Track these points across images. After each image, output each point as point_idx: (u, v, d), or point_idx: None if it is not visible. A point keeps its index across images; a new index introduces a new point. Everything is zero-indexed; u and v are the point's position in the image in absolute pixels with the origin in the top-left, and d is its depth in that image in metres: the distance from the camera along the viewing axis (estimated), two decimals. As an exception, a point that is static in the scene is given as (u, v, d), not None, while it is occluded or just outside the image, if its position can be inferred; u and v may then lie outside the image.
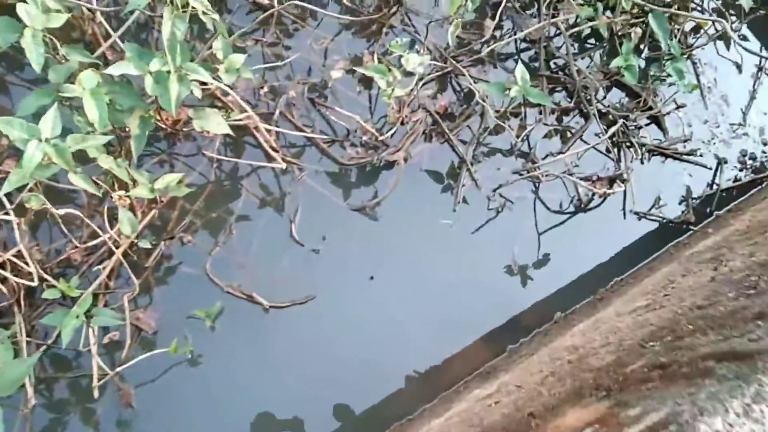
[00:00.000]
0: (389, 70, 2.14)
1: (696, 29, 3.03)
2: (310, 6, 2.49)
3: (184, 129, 2.26)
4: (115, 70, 1.69)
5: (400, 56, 2.27)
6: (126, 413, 2.07)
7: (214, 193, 2.39)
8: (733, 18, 3.05)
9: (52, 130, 1.63)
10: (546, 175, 2.59)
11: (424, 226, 2.49)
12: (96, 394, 2.01)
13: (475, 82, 2.55)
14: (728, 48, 3.06)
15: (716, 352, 1.04)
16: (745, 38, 3.09)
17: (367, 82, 2.60)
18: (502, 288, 2.49)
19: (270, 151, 2.31)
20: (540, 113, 2.76)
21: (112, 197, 1.99)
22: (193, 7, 1.58)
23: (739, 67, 3.04)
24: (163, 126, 2.18)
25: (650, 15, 2.22)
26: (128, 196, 1.96)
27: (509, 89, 2.22)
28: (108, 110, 1.74)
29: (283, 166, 2.28)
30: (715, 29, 2.93)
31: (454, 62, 2.63)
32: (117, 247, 2.08)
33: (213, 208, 2.37)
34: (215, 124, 2.00)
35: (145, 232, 2.25)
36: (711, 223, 2.60)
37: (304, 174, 2.43)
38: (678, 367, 1.05)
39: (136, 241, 2.13)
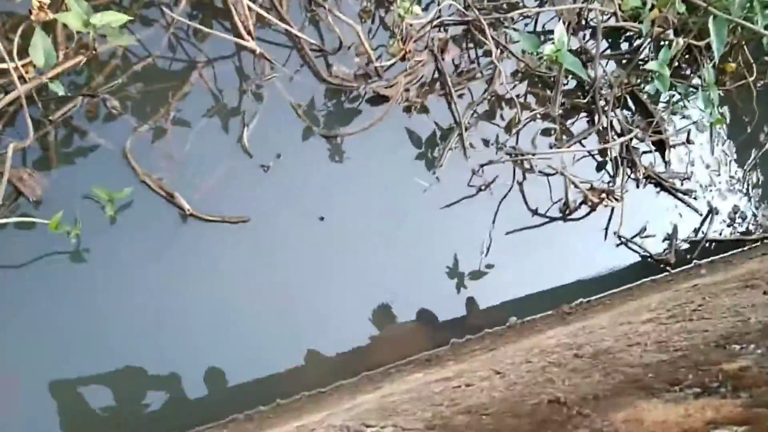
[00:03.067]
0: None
1: (722, 71, 2.82)
2: None
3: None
4: None
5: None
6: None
7: (160, 63, 1.94)
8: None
9: None
10: (538, 167, 2.29)
11: (394, 180, 2.12)
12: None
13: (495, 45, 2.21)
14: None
15: None
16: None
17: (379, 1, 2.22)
18: (455, 278, 2.16)
19: (244, 32, 1.88)
20: (545, 104, 2.46)
21: (31, 12, 1.52)
22: None
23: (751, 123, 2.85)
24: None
25: (711, 20, 1.95)
26: (52, 17, 1.49)
27: (543, 44, 1.89)
28: None
29: (257, 48, 1.85)
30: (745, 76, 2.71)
31: (476, 12, 2.28)
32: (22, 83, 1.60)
33: (153, 81, 1.92)
34: (191, -34, 1.56)
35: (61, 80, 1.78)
36: (693, 268, 2.38)
37: (274, 75, 2.00)
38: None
39: (47, 81, 1.65)
